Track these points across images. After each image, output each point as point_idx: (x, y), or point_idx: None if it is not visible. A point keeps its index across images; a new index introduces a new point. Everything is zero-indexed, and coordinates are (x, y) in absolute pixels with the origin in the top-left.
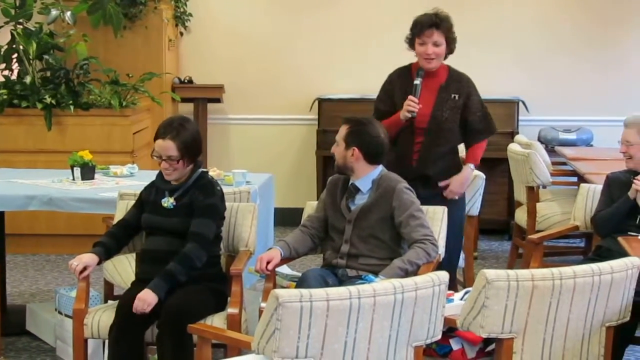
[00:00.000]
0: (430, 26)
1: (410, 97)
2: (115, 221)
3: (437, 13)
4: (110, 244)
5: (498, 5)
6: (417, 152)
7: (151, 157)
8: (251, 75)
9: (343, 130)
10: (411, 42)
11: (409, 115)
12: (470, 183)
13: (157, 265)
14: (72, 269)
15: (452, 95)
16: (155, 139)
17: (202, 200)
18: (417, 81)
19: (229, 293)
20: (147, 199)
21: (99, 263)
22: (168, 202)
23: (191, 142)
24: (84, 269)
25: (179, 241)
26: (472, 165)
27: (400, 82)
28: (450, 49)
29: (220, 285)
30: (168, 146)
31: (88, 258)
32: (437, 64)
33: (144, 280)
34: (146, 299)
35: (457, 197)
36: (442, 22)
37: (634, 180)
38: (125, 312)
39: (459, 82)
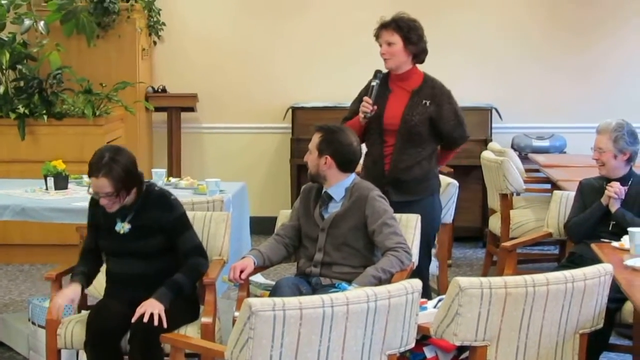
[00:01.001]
0: (381, 27)
1: (365, 97)
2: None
3: (395, 15)
4: (87, 270)
5: (471, 13)
6: (389, 155)
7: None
8: (225, 84)
9: (315, 138)
10: None
11: (362, 115)
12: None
13: (126, 288)
14: (56, 309)
15: (423, 101)
16: (89, 176)
17: (169, 217)
18: (374, 82)
19: (202, 302)
20: (99, 223)
21: (83, 291)
22: (123, 228)
23: (125, 175)
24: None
25: (143, 262)
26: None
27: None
28: (411, 51)
29: (192, 294)
30: (102, 184)
31: (72, 292)
32: (394, 64)
33: (114, 297)
34: (154, 305)
35: None
36: (392, 21)
37: (607, 187)
38: (99, 324)
39: (432, 88)
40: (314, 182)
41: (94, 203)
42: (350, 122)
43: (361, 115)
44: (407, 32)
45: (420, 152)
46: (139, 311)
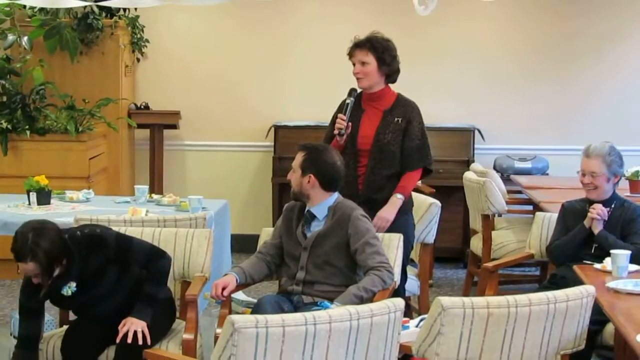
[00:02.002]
0: (355, 46)
1: (339, 115)
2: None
3: (369, 35)
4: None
5: (455, 34)
6: (363, 175)
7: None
8: (208, 101)
9: (299, 157)
10: None
11: (337, 132)
12: (396, 211)
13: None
14: None
15: (396, 119)
16: (16, 261)
17: (109, 249)
18: (348, 100)
19: (183, 317)
20: (40, 301)
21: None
22: (68, 290)
23: (53, 252)
24: None
25: (115, 297)
26: (399, 195)
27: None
28: (384, 71)
29: (166, 293)
30: (31, 268)
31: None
32: (367, 83)
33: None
34: (135, 323)
35: (384, 229)
36: (367, 41)
37: (590, 209)
38: (73, 344)
39: (404, 107)
40: (297, 200)
41: (27, 289)
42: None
43: (336, 131)
44: (381, 52)
45: (392, 171)
46: (122, 330)
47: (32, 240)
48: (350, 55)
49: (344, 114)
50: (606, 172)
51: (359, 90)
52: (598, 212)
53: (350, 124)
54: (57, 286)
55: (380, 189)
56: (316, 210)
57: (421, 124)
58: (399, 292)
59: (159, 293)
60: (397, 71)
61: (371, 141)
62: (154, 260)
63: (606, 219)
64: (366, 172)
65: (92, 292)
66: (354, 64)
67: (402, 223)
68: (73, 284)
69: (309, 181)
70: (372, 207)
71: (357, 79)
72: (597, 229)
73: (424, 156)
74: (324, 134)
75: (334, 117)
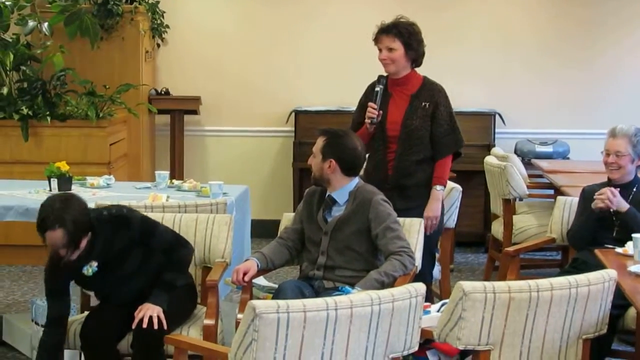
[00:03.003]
0: (381, 32)
1: (370, 103)
2: None
3: (393, 20)
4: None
5: (477, 19)
6: (392, 161)
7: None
8: (228, 87)
9: (320, 142)
10: None
11: (369, 121)
12: (441, 203)
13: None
14: None
15: (423, 104)
16: (42, 231)
17: (133, 230)
18: (377, 88)
19: (204, 302)
20: (66, 280)
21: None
22: (91, 269)
23: (79, 222)
24: None
25: (137, 280)
26: (438, 187)
27: (372, 86)
28: (411, 56)
29: (188, 279)
30: (57, 236)
31: None
32: (394, 69)
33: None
34: (151, 308)
35: (436, 226)
36: (393, 27)
37: (595, 195)
38: (92, 329)
39: (431, 90)
40: (318, 185)
41: (51, 269)
42: (359, 132)
43: (367, 121)
44: (407, 37)
45: (422, 157)
46: (137, 316)
47: (60, 207)
48: (376, 41)
49: (374, 102)
50: (631, 153)
51: (385, 76)
52: (608, 197)
53: (381, 112)
54: (79, 265)
55: (410, 175)
56: (337, 195)
57: (448, 107)
58: (426, 278)
59: (178, 280)
60: (423, 54)
61: (399, 127)
62: (177, 248)
63: (614, 203)
64: (395, 158)
65: (113, 274)
66: (380, 50)
67: None
68: (94, 264)
69: (329, 166)
70: (402, 192)
71: (384, 64)
72: (623, 206)
73: (455, 140)
74: (344, 118)
75: (361, 104)
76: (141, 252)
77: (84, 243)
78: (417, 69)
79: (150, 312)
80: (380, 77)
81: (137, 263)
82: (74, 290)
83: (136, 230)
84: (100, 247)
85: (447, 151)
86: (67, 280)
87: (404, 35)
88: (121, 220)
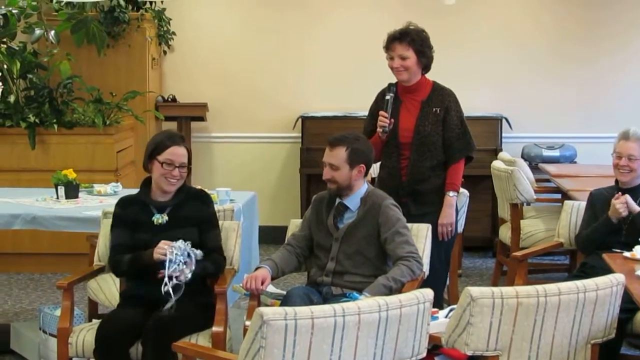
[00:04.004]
0: (393, 39)
1: (380, 112)
2: (100, 240)
3: (404, 27)
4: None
5: (483, 23)
6: (405, 167)
7: (156, 168)
8: (235, 93)
9: (340, 152)
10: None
11: (381, 130)
12: (455, 208)
13: (145, 281)
14: None
15: (434, 109)
16: (162, 148)
17: (208, 210)
18: (388, 96)
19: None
20: (133, 217)
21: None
22: (162, 219)
23: (190, 153)
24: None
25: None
26: (451, 193)
27: (382, 94)
28: (423, 63)
29: (208, 298)
30: (182, 153)
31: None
32: (407, 77)
33: (131, 297)
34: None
35: (451, 232)
36: (406, 35)
37: (614, 201)
38: (109, 331)
39: (441, 95)
40: (339, 197)
41: (125, 203)
42: (371, 140)
43: (379, 130)
44: (420, 45)
45: (436, 162)
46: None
47: (179, 134)
48: (389, 48)
49: (385, 111)
50: None
51: (394, 82)
52: (622, 201)
53: (392, 120)
54: (152, 211)
55: (424, 181)
56: (349, 202)
57: (459, 112)
58: (439, 284)
59: (208, 271)
60: (432, 60)
61: (412, 134)
62: (220, 254)
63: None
64: (409, 165)
65: (171, 235)
66: (391, 58)
67: None
68: (165, 217)
69: (359, 171)
70: (416, 198)
71: (397, 72)
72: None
73: (466, 144)
74: (350, 124)
75: (372, 112)
76: (196, 235)
77: (185, 176)
78: (428, 75)
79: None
80: (390, 84)
81: (188, 240)
82: (80, 298)
83: (209, 213)
84: (176, 206)
85: (459, 156)
86: (135, 220)
87: (416, 43)
88: (206, 196)
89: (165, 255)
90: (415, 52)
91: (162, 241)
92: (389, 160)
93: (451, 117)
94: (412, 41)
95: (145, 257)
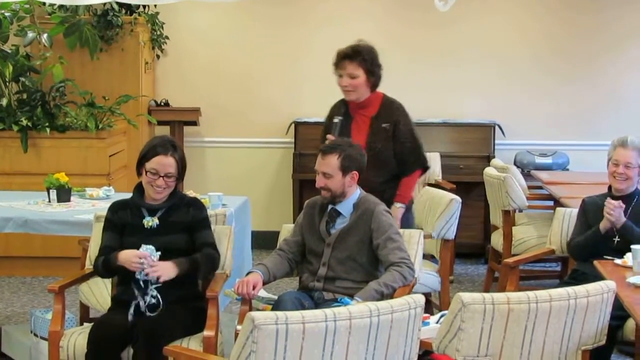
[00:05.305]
0: (344, 58)
1: (328, 136)
2: (91, 244)
3: (355, 44)
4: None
5: (476, 30)
6: (359, 181)
7: (143, 174)
8: (227, 98)
9: (333, 159)
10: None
11: None
12: (399, 220)
13: (137, 284)
14: None
15: (383, 125)
16: (151, 156)
17: (199, 214)
18: (336, 119)
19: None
20: (124, 221)
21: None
22: (152, 222)
23: (183, 161)
24: None
25: (164, 258)
26: (398, 205)
27: (332, 114)
28: (372, 82)
29: (200, 303)
30: (169, 163)
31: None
32: (355, 97)
33: (122, 302)
34: (168, 269)
35: None
36: (357, 53)
37: (605, 212)
38: (101, 334)
39: (389, 109)
40: (333, 203)
41: (117, 207)
42: None
43: None
44: (370, 65)
45: (389, 177)
46: (151, 271)
47: (172, 142)
48: (338, 66)
49: (333, 134)
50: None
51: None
52: (614, 207)
53: None
54: (143, 214)
55: (380, 195)
56: (342, 208)
57: (408, 125)
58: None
59: (202, 269)
60: (380, 78)
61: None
62: (214, 249)
63: (618, 215)
64: (363, 181)
65: (161, 240)
66: (340, 76)
67: (403, 221)
68: (156, 221)
69: (352, 178)
70: None
71: (345, 92)
72: (621, 221)
73: (417, 158)
74: None
75: (323, 134)
76: (187, 240)
77: (173, 185)
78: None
79: (160, 272)
80: (342, 100)
81: (178, 245)
82: (72, 301)
83: (201, 217)
84: (168, 210)
85: (410, 170)
86: (125, 223)
87: (367, 63)
88: (199, 202)
89: (142, 265)
90: (365, 71)
91: (134, 255)
92: None
93: (400, 131)
94: (363, 60)
95: (113, 259)
